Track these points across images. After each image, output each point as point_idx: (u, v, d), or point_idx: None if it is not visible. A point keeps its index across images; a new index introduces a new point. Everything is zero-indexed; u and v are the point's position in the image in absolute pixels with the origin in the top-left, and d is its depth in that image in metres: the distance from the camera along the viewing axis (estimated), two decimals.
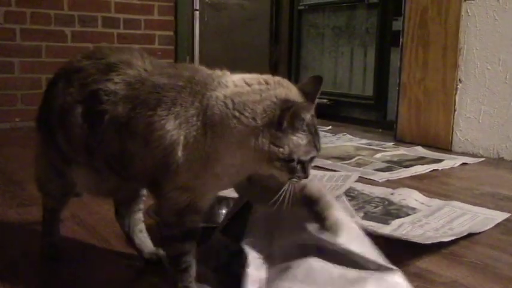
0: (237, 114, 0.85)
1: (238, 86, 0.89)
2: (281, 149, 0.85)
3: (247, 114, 0.85)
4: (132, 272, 1.13)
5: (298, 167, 0.87)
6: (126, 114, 0.93)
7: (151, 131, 0.89)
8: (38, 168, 1.15)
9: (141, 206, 1.16)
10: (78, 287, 1.06)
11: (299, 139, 0.87)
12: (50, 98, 1.05)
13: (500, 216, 1.49)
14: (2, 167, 2.03)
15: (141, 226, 1.16)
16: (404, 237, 1.26)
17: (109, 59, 0.99)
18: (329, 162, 2.19)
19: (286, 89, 0.89)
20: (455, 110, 2.59)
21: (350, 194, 1.64)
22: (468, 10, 2.52)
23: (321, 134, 3.13)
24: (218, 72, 0.94)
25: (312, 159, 0.89)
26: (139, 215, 1.16)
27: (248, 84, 0.89)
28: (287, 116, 0.84)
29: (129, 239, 1.15)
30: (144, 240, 1.15)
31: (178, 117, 0.88)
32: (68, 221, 1.37)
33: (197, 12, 3.90)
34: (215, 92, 0.88)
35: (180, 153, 0.87)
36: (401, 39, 2.82)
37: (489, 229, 1.39)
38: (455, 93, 2.58)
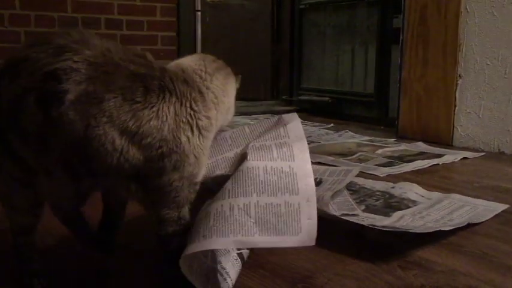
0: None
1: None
2: None
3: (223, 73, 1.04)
4: (141, 266, 1.16)
5: None
6: (98, 95, 0.83)
7: (140, 120, 0.85)
8: None
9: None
10: (89, 281, 1.09)
11: None
12: None
13: (499, 207, 1.52)
14: None
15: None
16: (405, 227, 1.29)
17: (57, 42, 0.86)
18: (331, 158, 2.22)
19: None
20: (455, 106, 2.62)
21: (351, 188, 1.67)
22: (467, 7, 2.54)
23: (323, 131, 3.11)
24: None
25: None
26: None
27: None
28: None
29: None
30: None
31: (171, 105, 0.88)
32: None
33: (199, 13, 3.93)
34: (181, 74, 0.96)
35: (183, 139, 0.89)
36: (401, 37, 2.84)
37: (488, 220, 1.42)
38: (456, 89, 2.61)
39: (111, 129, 0.84)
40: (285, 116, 1.07)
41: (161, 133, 0.87)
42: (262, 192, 0.86)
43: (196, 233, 0.87)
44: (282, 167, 0.90)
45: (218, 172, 1.07)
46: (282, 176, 0.89)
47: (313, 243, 0.84)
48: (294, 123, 1.03)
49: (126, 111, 0.84)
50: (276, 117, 1.11)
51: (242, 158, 0.95)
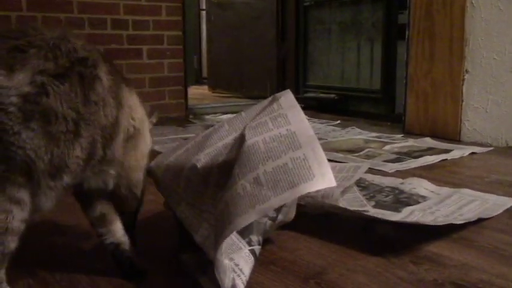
0: None
1: None
2: None
3: None
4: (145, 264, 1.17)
5: None
6: (118, 82, 0.99)
7: (132, 102, 1.05)
8: None
9: None
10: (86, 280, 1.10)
11: None
12: None
13: (509, 202, 1.52)
14: None
15: None
16: (415, 220, 1.30)
17: (56, 33, 0.89)
18: (339, 155, 2.22)
19: None
20: (462, 101, 2.62)
21: (361, 185, 1.67)
22: (473, 1, 2.53)
23: (330, 128, 3.08)
24: None
25: None
26: None
27: None
28: None
29: None
30: None
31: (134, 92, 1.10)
32: (81, 214, 1.41)
33: (204, 12, 3.94)
34: None
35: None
36: (407, 32, 2.84)
37: (498, 214, 1.42)
38: (463, 84, 2.60)
39: (127, 110, 1.00)
40: (278, 94, 1.08)
41: (141, 112, 1.07)
42: (267, 161, 0.87)
43: (222, 224, 0.88)
44: (280, 133, 0.92)
45: (221, 159, 1.07)
46: (281, 140, 0.90)
47: (332, 183, 0.85)
48: (286, 96, 1.04)
49: (131, 96, 1.03)
50: (271, 97, 1.11)
51: (241, 140, 0.96)
